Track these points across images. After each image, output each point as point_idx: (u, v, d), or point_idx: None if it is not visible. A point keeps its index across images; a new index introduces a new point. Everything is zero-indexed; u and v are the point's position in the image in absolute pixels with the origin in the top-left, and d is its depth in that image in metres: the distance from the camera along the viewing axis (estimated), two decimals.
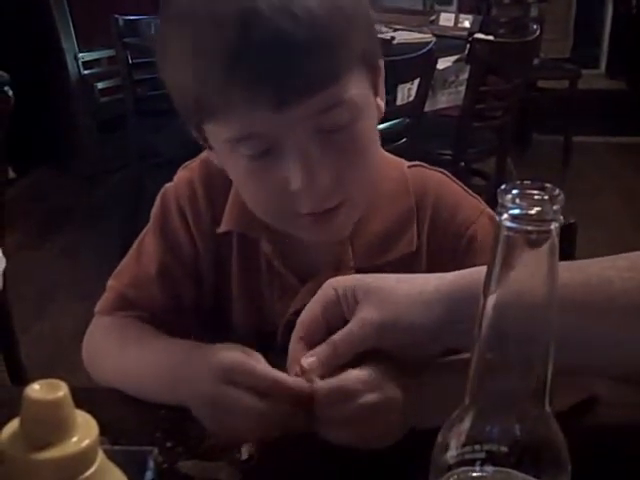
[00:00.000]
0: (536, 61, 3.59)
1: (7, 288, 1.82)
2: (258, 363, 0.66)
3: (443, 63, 2.63)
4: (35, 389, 0.42)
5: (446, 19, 3.16)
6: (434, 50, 2.42)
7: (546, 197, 0.42)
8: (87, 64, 3.59)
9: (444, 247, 0.82)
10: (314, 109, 0.69)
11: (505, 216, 0.42)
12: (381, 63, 0.78)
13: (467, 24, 3.14)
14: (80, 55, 3.57)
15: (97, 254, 2.96)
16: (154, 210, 0.89)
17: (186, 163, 0.90)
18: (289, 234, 0.80)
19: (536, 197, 0.42)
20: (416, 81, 2.46)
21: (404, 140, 2.45)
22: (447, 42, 2.83)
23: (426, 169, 0.87)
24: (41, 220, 3.34)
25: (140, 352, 0.79)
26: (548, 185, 0.43)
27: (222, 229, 0.84)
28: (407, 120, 2.46)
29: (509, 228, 0.42)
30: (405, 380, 0.64)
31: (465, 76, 2.65)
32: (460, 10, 3.51)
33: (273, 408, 0.63)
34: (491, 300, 0.44)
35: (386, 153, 0.87)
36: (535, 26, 2.89)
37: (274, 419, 0.63)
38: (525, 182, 0.44)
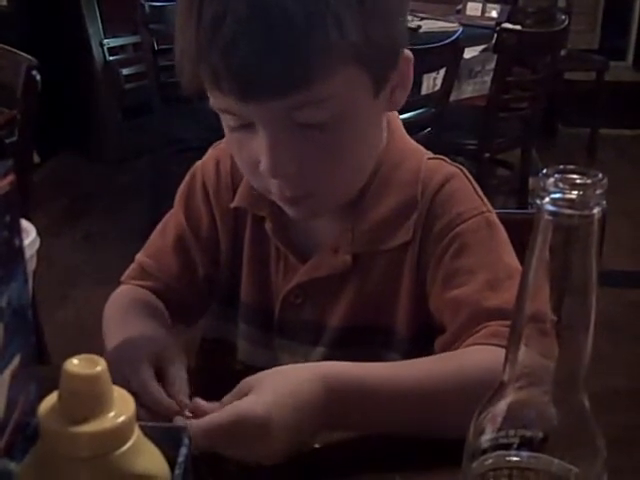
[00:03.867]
0: (563, 52, 3.55)
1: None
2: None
3: (470, 53, 2.61)
4: (74, 363, 0.42)
5: (473, 8, 3.13)
6: (460, 39, 2.41)
7: (589, 181, 0.42)
8: (112, 50, 3.61)
9: (431, 241, 0.80)
10: (283, 106, 0.68)
11: (547, 200, 0.42)
12: (406, 54, 0.76)
13: (494, 14, 3.11)
14: (105, 41, 3.58)
15: (120, 240, 2.97)
16: (181, 186, 0.92)
17: (216, 142, 0.92)
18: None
19: (578, 181, 0.42)
20: (442, 70, 2.45)
21: (429, 130, 2.44)
22: (474, 31, 2.81)
23: (445, 162, 0.84)
24: (65, 205, 3.35)
25: (119, 334, 0.81)
26: (591, 170, 0.42)
27: (234, 204, 0.86)
28: (432, 110, 2.45)
29: (550, 212, 0.42)
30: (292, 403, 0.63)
31: (491, 66, 2.64)
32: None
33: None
34: (530, 283, 0.44)
35: (411, 141, 0.86)
36: (563, 16, 2.86)
37: None
38: (567, 166, 0.43)
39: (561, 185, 0.42)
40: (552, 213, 0.42)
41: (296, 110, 0.69)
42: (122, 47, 3.62)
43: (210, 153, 0.92)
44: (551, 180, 0.42)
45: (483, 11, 3.11)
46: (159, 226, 0.93)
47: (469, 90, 2.64)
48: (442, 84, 2.47)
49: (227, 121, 0.74)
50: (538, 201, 0.42)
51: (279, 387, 0.64)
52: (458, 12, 3.11)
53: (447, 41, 2.34)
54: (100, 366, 0.43)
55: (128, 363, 0.68)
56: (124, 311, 0.85)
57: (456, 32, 2.43)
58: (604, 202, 0.42)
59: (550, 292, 0.44)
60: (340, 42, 0.66)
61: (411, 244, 0.80)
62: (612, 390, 2.07)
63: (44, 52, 2.04)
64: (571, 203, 0.41)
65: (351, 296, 0.82)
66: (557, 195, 0.42)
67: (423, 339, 0.81)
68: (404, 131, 0.86)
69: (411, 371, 0.69)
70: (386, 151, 0.82)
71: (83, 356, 0.43)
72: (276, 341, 0.87)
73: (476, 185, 0.83)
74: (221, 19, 0.65)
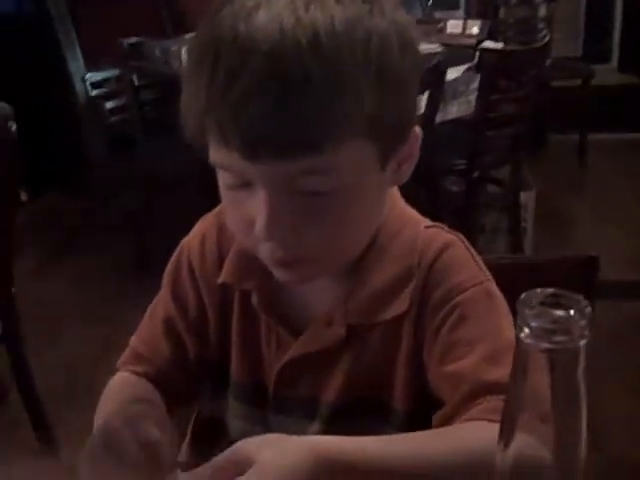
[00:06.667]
0: (548, 61, 3.54)
1: (19, 314, 1.82)
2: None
3: (452, 73, 2.58)
4: None
5: (454, 26, 3.10)
6: (442, 62, 2.39)
7: (572, 312, 0.39)
8: (95, 84, 3.59)
9: (429, 311, 0.77)
10: (288, 171, 0.66)
11: (526, 332, 0.39)
12: (415, 130, 0.73)
13: (475, 30, 3.08)
14: (88, 76, 3.56)
15: (107, 277, 2.95)
16: (169, 264, 0.90)
17: (205, 215, 0.89)
18: (282, 286, 0.79)
19: (560, 312, 0.39)
20: (426, 93, 2.42)
21: None
22: (456, 52, 2.79)
23: (442, 230, 0.82)
24: (52, 243, 3.33)
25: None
26: (575, 296, 0.40)
27: (220, 280, 0.84)
28: None
29: (530, 345, 0.39)
30: None
31: (475, 85, 2.61)
32: (468, 15, 3.45)
33: None
34: (518, 417, 0.41)
35: (408, 209, 0.84)
36: (545, 30, 2.84)
37: None
38: (548, 291, 0.40)
39: (541, 317, 0.39)
40: (533, 346, 0.39)
41: (301, 177, 0.66)
42: (105, 80, 3.60)
43: (196, 228, 0.89)
44: (531, 311, 0.39)
45: (464, 28, 3.08)
46: (150, 307, 0.91)
47: (454, 111, 2.60)
48: (426, 107, 2.45)
49: (225, 179, 0.71)
50: (518, 332, 0.40)
51: (279, 466, 0.61)
52: (440, 31, 3.09)
53: (429, 65, 2.32)
54: None
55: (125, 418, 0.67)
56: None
57: (437, 54, 2.41)
58: (587, 332, 0.39)
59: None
60: (356, 112, 0.64)
61: (408, 315, 0.78)
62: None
63: (25, 91, 2.01)
64: (553, 336, 0.39)
65: (346, 369, 0.80)
66: (537, 327, 0.39)
67: (420, 413, 0.78)
68: (401, 199, 0.84)
69: (404, 447, 0.67)
70: (384, 220, 0.80)
71: None
72: (271, 418, 0.84)
73: (474, 252, 0.81)
74: (236, 73, 0.63)
